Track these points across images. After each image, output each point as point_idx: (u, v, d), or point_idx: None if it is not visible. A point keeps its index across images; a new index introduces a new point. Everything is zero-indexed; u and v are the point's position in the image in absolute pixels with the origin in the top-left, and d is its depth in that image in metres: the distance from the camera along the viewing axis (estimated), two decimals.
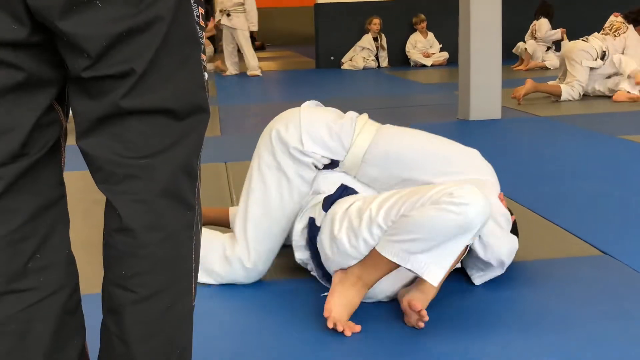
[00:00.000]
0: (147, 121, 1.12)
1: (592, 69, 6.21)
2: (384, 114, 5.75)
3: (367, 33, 10.23)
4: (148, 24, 1.06)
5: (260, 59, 9.84)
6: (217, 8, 9.51)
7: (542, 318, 1.98)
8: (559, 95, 6.20)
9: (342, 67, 10.33)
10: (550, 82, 6.44)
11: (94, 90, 1.10)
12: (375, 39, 10.27)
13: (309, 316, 2.05)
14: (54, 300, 1.17)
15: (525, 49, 9.33)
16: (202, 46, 1.19)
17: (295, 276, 2.35)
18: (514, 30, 9.33)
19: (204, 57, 1.19)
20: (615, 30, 6.33)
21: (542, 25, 9.27)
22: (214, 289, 2.28)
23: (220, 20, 9.32)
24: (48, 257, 1.17)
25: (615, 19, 6.40)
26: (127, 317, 1.16)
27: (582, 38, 6.42)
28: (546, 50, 9.33)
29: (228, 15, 9.18)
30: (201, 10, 1.20)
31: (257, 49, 15.11)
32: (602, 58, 6.21)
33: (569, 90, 6.21)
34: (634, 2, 7.05)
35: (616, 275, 2.26)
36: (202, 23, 1.20)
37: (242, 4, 9.19)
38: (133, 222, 1.13)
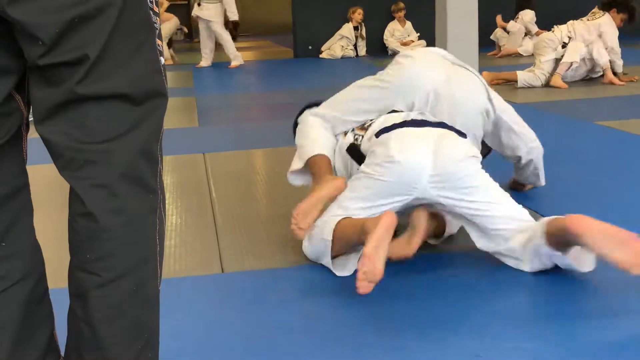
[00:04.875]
0: (104, 106, 1.13)
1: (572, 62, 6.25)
2: None
3: (348, 22, 10.22)
4: (99, 9, 1.08)
5: (238, 49, 9.75)
6: None
7: (518, 304, 2.00)
8: (517, 81, 6.28)
9: (320, 56, 10.31)
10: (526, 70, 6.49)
11: (51, 78, 1.11)
12: (356, 28, 10.27)
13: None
14: (20, 288, 1.19)
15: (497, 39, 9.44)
16: (157, 31, 1.20)
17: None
18: (491, 19, 9.37)
19: (159, 42, 1.21)
20: (591, 15, 6.37)
21: (527, 13, 9.34)
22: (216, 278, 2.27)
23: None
24: (13, 245, 1.18)
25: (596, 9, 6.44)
26: (92, 301, 1.18)
27: (553, 27, 6.47)
28: (523, 37, 9.39)
29: (199, 4, 9.10)
30: None
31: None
32: (564, 46, 6.24)
33: (524, 77, 6.26)
34: None
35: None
36: (156, 9, 1.21)
37: None
38: (95, 207, 1.15)
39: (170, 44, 10.45)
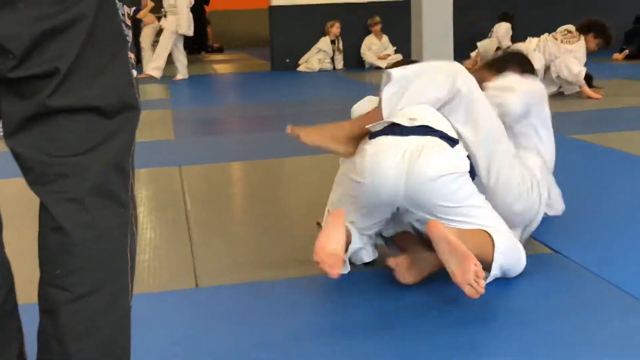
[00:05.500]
0: (76, 119, 1.13)
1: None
2: (340, 116, 5.74)
3: (326, 36, 10.26)
4: (71, 22, 1.08)
5: (215, 62, 9.74)
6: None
7: (495, 316, 2.00)
8: None
9: (297, 69, 10.33)
10: None
11: (22, 91, 1.11)
12: (333, 42, 10.32)
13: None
14: None
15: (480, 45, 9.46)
16: (129, 44, 1.20)
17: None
18: (466, 32, 9.45)
19: (132, 55, 1.20)
20: (567, 36, 6.38)
21: (502, 25, 9.42)
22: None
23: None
24: None
25: (572, 27, 6.43)
26: (63, 317, 1.16)
27: (527, 40, 6.53)
28: (496, 50, 9.46)
29: (165, 16, 9.13)
30: (127, 10, 1.21)
31: (215, 51, 15.03)
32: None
33: None
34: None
35: (567, 273, 2.29)
36: (128, 22, 1.21)
37: (175, 6, 9.09)
38: (65, 221, 1.14)
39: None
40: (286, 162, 4.14)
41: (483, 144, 2.29)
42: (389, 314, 2.03)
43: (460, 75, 2.32)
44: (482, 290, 1.94)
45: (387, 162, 2.12)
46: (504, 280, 2.21)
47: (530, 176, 2.39)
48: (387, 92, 2.32)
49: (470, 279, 1.92)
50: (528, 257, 2.38)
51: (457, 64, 2.41)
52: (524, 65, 2.73)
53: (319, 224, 2.61)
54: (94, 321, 1.19)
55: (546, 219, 2.84)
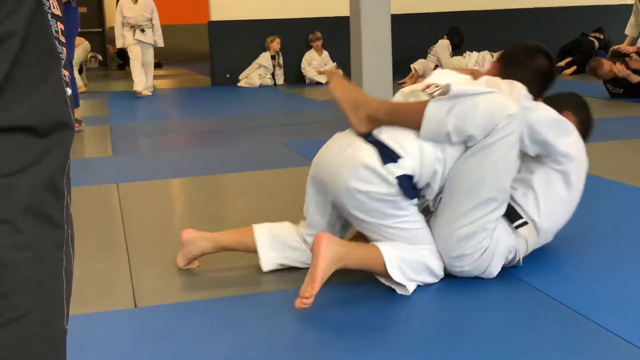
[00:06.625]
0: (7, 139, 1.10)
1: None
2: (281, 131, 5.76)
3: (266, 51, 10.28)
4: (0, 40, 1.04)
5: (154, 77, 9.67)
6: (118, 25, 9.21)
7: (437, 330, 2.02)
8: None
9: (238, 84, 10.31)
10: None
11: None
12: (273, 57, 10.34)
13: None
14: None
15: (415, 68, 9.59)
16: (63, 61, 1.17)
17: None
18: (405, 49, 9.60)
19: (65, 72, 1.18)
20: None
21: (442, 44, 9.55)
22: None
23: (133, 37, 9.07)
24: None
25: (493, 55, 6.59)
26: None
27: (464, 54, 6.68)
28: (434, 68, 9.61)
29: (142, 31, 9.03)
30: (60, 26, 1.18)
31: (154, 66, 14.91)
32: None
33: None
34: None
35: (515, 291, 2.33)
36: (62, 38, 1.18)
37: (151, 19, 9.08)
38: None
39: (80, 70, 10.22)
40: (227, 178, 4.12)
41: (461, 194, 2.22)
42: (326, 331, 2.03)
43: (510, 122, 2.15)
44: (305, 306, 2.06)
45: (328, 151, 2.35)
46: (450, 303, 2.24)
47: (489, 243, 2.26)
48: (437, 103, 2.18)
49: (301, 298, 2.05)
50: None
51: (516, 105, 2.20)
52: (581, 114, 2.61)
53: None
54: (27, 346, 1.15)
55: None
